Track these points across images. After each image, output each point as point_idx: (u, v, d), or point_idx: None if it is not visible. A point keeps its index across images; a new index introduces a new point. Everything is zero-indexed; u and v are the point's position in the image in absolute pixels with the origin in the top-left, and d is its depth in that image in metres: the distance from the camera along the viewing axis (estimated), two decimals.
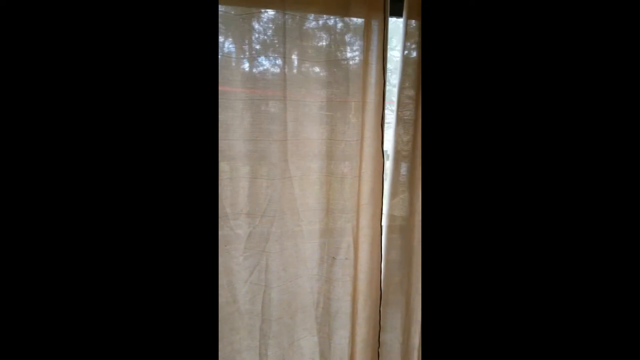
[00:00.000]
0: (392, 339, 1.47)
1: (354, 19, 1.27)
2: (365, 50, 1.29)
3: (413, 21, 1.31)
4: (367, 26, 1.28)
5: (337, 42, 1.27)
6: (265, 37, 1.22)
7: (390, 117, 1.40)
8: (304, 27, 1.25)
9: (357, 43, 1.28)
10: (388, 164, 1.39)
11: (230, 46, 1.19)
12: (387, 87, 1.33)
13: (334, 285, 1.39)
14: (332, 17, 1.25)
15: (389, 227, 1.41)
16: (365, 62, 1.30)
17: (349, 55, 1.28)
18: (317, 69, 1.27)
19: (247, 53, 1.20)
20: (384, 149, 1.35)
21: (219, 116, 1.19)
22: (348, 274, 1.38)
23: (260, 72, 1.23)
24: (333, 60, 1.27)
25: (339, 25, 1.27)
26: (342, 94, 1.29)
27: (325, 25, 1.26)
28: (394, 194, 1.40)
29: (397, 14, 1.33)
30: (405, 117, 1.38)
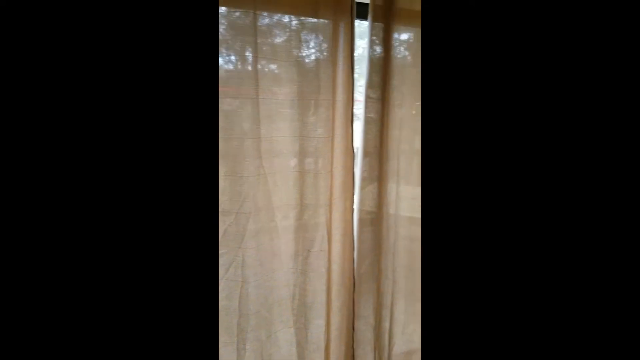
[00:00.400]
0: (365, 324, 1.54)
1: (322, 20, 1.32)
2: (333, 51, 1.35)
3: (378, 23, 1.38)
4: (334, 28, 1.34)
5: (304, 40, 1.32)
6: (223, 32, 1.24)
7: (356, 114, 1.47)
8: (271, 25, 1.28)
9: (326, 42, 1.33)
10: (356, 160, 1.46)
11: None
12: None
13: (310, 277, 1.44)
14: (303, 17, 1.30)
15: (360, 219, 1.48)
16: (333, 62, 1.35)
17: (317, 54, 1.33)
18: (287, 68, 1.31)
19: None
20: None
21: None
22: (323, 265, 1.44)
23: (229, 70, 1.25)
24: (302, 59, 1.32)
25: (308, 24, 1.32)
26: (312, 92, 1.34)
27: (295, 24, 1.30)
28: (361, 188, 1.48)
29: (362, 16, 1.40)
30: (370, 115, 1.45)
